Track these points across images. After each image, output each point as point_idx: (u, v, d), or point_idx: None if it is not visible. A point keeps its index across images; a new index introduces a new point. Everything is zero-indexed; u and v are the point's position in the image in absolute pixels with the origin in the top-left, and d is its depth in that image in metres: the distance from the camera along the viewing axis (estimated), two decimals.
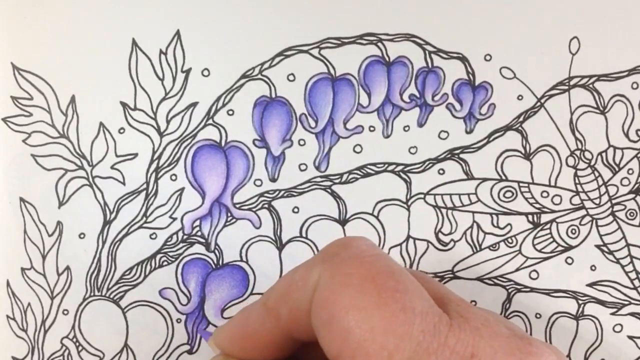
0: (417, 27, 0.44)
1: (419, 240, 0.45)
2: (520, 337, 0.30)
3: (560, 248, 0.46)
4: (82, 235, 0.44)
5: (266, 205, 0.45)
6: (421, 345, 0.27)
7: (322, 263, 0.31)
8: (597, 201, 0.46)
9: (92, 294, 0.44)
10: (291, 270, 0.33)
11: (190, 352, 0.45)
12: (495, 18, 0.44)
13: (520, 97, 0.45)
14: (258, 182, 0.45)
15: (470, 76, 0.45)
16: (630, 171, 0.46)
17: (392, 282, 0.29)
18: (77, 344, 0.45)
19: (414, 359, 0.27)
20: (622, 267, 0.46)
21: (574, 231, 0.46)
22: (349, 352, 0.28)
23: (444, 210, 0.45)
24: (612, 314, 0.46)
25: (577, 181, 0.45)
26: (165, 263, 0.45)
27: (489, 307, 0.45)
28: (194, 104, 0.44)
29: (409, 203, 0.45)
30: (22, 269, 0.44)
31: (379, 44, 0.44)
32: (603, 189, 0.46)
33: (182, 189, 0.45)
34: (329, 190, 0.45)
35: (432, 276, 0.45)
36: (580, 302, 0.46)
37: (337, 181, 0.45)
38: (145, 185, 0.44)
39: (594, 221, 0.46)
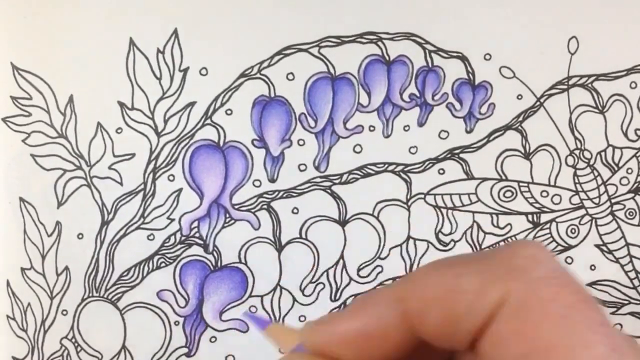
0: (417, 27, 0.44)
1: (419, 241, 0.45)
2: None
3: (560, 247, 0.46)
4: (80, 236, 0.44)
5: (265, 206, 0.45)
6: None
7: (509, 279, 0.25)
8: (596, 200, 0.46)
9: (90, 294, 0.44)
10: (444, 267, 0.27)
11: (188, 355, 0.45)
12: (495, 18, 0.44)
13: (519, 97, 0.45)
14: (257, 183, 0.44)
15: (470, 76, 0.45)
16: (630, 170, 0.46)
17: (596, 314, 0.25)
18: (76, 344, 0.44)
19: None
20: (622, 266, 0.46)
21: (573, 231, 0.46)
22: None
23: (444, 210, 0.45)
24: (612, 313, 0.46)
25: (576, 180, 0.45)
26: (163, 264, 0.44)
27: None
28: (192, 104, 0.44)
29: (409, 203, 0.45)
30: (22, 269, 0.44)
31: (379, 43, 0.44)
32: (602, 189, 0.46)
33: (180, 190, 0.44)
34: (328, 191, 0.45)
35: None
36: None
37: (337, 181, 0.45)
38: (142, 186, 0.44)
39: (594, 220, 0.46)
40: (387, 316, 0.26)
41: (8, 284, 0.44)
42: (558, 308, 0.24)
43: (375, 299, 0.27)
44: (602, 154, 0.46)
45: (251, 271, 0.45)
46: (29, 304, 0.44)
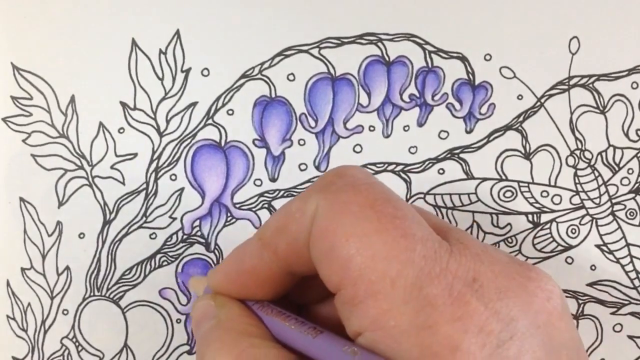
0: (417, 27, 0.44)
1: None
2: (519, 263, 0.30)
3: (560, 248, 0.46)
4: (81, 235, 0.44)
5: (266, 205, 0.45)
6: (423, 270, 0.27)
7: (319, 192, 0.30)
8: (597, 201, 0.46)
9: (91, 294, 0.44)
10: (286, 203, 0.32)
11: (190, 352, 0.45)
12: (495, 18, 0.44)
13: (520, 97, 0.45)
14: (258, 182, 0.45)
15: (470, 76, 0.45)
16: (630, 171, 0.46)
17: (391, 209, 0.29)
18: (77, 344, 0.45)
19: (417, 284, 0.27)
20: (622, 266, 0.46)
21: (573, 231, 0.46)
22: (350, 280, 0.28)
23: (444, 210, 0.45)
24: (612, 313, 0.46)
25: (577, 181, 0.45)
26: (165, 263, 0.45)
27: None
28: (194, 104, 0.44)
29: (409, 203, 0.45)
30: (22, 269, 0.44)
31: (379, 43, 0.44)
32: (603, 189, 0.46)
33: (182, 189, 0.44)
34: None
35: None
36: (580, 301, 0.46)
37: None
38: (145, 185, 0.44)
39: (594, 221, 0.46)
40: (252, 254, 0.32)
41: (8, 284, 0.44)
42: (355, 207, 0.28)
43: (245, 243, 0.33)
44: (603, 154, 0.46)
45: None
46: (29, 304, 0.44)
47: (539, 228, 0.46)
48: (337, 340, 0.30)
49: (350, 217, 0.28)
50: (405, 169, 0.45)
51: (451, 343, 0.26)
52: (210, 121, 0.44)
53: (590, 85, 0.45)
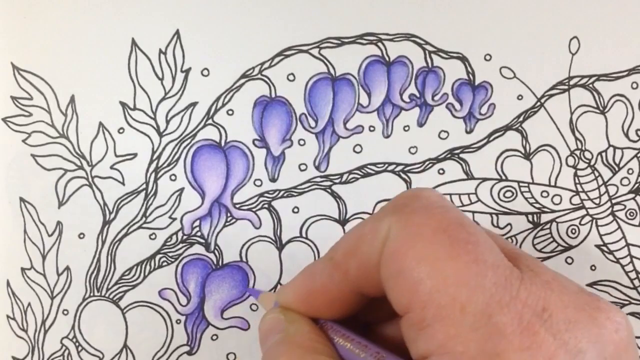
0: (417, 27, 0.44)
1: None
2: (588, 293, 0.30)
3: (560, 248, 0.46)
4: (81, 235, 0.44)
5: (266, 206, 0.45)
6: (494, 297, 0.27)
7: (392, 215, 0.30)
8: (597, 201, 0.46)
9: (91, 294, 0.44)
10: (358, 224, 0.32)
11: (190, 353, 0.45)
12: (495, 18, 0.44)
13: (520, 97, 0.45)
14: (258, 182, 0.45)
15: (470, 76, 0.45)
16: (630, 171, 0.46)
17: (464, 234, 0.28)
18: (77, 344, 0.44)
19: (486, 312, 0.27)
20: (622, 267, 0.46)
21: (574, 231, 0.46)
22: (419, 303, 0.28)
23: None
24: None
25: (577, 181, 0.45)
26: (164, 263, 0.45)
27: None
28: (194, 104, 0.44)
29: None
30: (22, 269, 0.44)
31: (379, 43, 0.44)
32: (603, 189, 0.46)
33: (182, 189, 0.44)
34: (329, 190, 0.45)
35: None
36: None
37: (337, 181, 0.45)
38: (144, 186, 0.44)
39: (594, 221, 0.46)
40: (322, 274, 0.32)
41: (8, 284, 0.44)
42: (427, 230, 0.28)
43: (316, 262, 0.33)
44: (603, 154, 0.46)
45: (252, 269, 0.45)
46: (29, 304, 0.44)
47: (539, 228, 0.46)
48: None
49: (422, 241, 0.28)
50: (406, 169, 0.45)
51: None
52: (210, 121, 0.44)
53: (590, 86, 0.45)
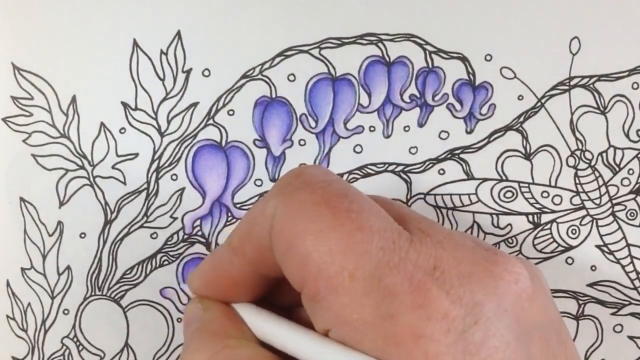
0: (417, 27, 0.44)
1: None
2: (485, 248, 0.30)
3: (560, 248, 0.46)
4: (82, 235, 0.44)
5: None
6: (382, 261, 0.27)
7: (277, 195, 0.30)
8: (597, 201, 0.46)
9: (92, 293, 0.45)
10: (251, 206, 0.33)
11: None
12: (495, 18, 0.44)
13: (520, 97, 0.45)
14: (258, 182, 0.45)
15: (471, 76, 0.45)
16: (631, 171, 0.46)
17: (346, 204, 0.29)
18: (78, 343, 0.45)
19: (375, 275, 0.27)
20: (623, 267, 0.46)
21: (574, 231, 0.46)
22: (311, 276, 0.28)
23: (444, 211, 0.45)
24: (613, 314, 0.46)
25: (577, 181, 0.45)
26: (166, 262, 0.45)
27: None
28: (195, 104, 0.44)
29: (409, 203, 0.45)
30: (22, 269, 0.44)
31: (379, 44, 0.44)
32: (603, 189, 0.46)
33: (183, 189, 0.45)
34: None
35: None
36: (580, 302, 0.46)
37: None
38: (146, 185, 0.44)
39: (595, 221, 0.46)
40: (223, 259, 0.33)
41: (8, 284, 0.44)
42: (309, 205, 0.28)
43: (217, 248, 0.34)
44: (604, 154, 0.45)
45: None
46: (29, 304, 0.44)
47: (539, 228, 0.46)
48: (314, 335, 0.30)
49: (305, 216, 0.29)
50: (406, 169, 0.45)
51: (414, 331, 0.26)
52: (211, 121, 0.44)
53: (591, 86, 0.45)
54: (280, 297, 0.35)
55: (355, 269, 0.27)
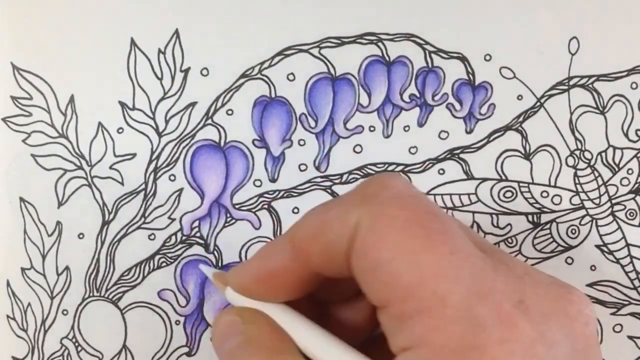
0: (417, 27, 0.44)
1: None
2: (561, 285, 0.30)
3: (560, 248, 0.46)
4: (81, 236, 0.44)
5: (266, 206, 0.45)
6: (472, 289, 0.27)
7: (362, 204, 0.29)
8: (597, 201, 0.46)
9: (91, 294, 0.44)
10: (320, 207, 0.32)
11: (189, 354, 0.45)
12: (495, 18, 0.44)
13: (520, 97, 0.45)
14: (258, 183, 0.45)
15: (470, 76, 0.45)
16: (630, 171, 0.46)
17: (438, 224, 0.28)
18: (77, 344, 0.44)
19: (466, 303, 0.27)
20: (622, 267, 0.46)
21: (573, 231, 0.46)
22: (399, 298, 0.28)
23: (444, 210, 0.45)
24: (612, 314, 0.46)
25: (577, 181, 0.46)
26: (164, 264, 0.45)
27: None
28: (193, 104, 0.44)
29: None
30: (22, 269, 0.44)
31: (379, 43, 0.44)
32: (603, 189, 0.46)
33: (181, 190, 0.44)
34: (329, 191, 0.45)
35: None
36: None
37: (337, 181, 0.45)
38: (143, 186, 0.44)
39: (594, 221, 0.46)
40: (282, 256, 0.32)
41: (8, 284, 0.44)
42: (401, 222, 0.28)
43: (273, 243, 0.33)
44: (603, 154, 0.46)
45: None
46: (29, 304, 0.44)
47: (539, 228, 0.46)
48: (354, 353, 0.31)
49: (396, 233, 0.28)
50: (406, 169, 0.45)
51: None
52: (209, 121, 0.44)
53: (590, 86, 0.45)
54: (321, 293, 0.35)
55: (448, 294, 0.27)
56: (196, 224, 0.45)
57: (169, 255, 0.45)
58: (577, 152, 0.45)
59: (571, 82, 0.45)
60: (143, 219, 0.44)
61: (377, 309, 0.29)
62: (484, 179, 0.45)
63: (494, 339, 0.26)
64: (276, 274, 0.33)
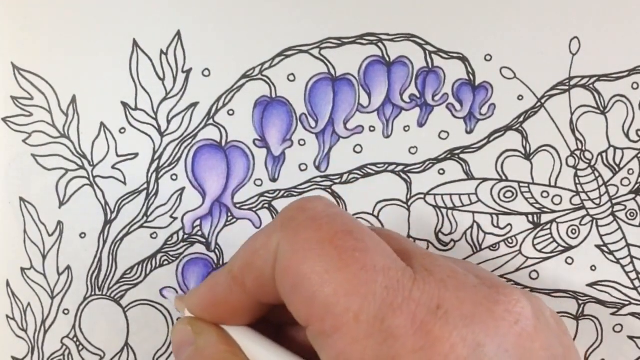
0: (417, 27, 0.44)
1: (419, 240, 0.45)
2: (489, 285, 0.30)
3: (560, 248, 0.46)
4: (83, 235, 0.44)
5: (266, 205, 0.45)
6: (385, 301, 0.27)
7: (280, 230, 0.30)
8: (597, 201, 0.46)
9: (92, 293, 0.45)
10: (253, 236, 0.33)
11: None
12: (495, 18, 0.44)
13: (520, 97, 0.45)
14: (258, 182, 0.45)
15: (471, 76, 0.45)
16: (631, 171, 0.46)
17: (352, 242, 0.29)
18: (78, 343, 0.45)
19: (379, 316, 0.27)
20: (623, 267, 0.46)
21: (574, 231, 0.46)
22: (317, 315, 0.28)
23: (444, 211, 0.45)
24: (612, 314, 0.46)
25: (577, 181, 0.45)
26: (165, 262, 0.45)
27: None
28: (195, 104, 0.44)
29: (409, 203, 0.45)
30: (22, 269, 0.44)
31: (379, 44, 0.44)
32: (603, 189, 0.46)
33: (183, 189, 0.45)
34: (329, 190, 0.45)
35: None
36: (580, 302, 0.46)
37: (337, 181, 0.45)
38: (146, 185, 0.44)
39: (594, 221, 0.46)
40: (223, 286, 0.33)
41: (8, 284, 0.44)
42: (314, 244, 0.29)
43: (217, 274, 0.34)
44: (603, 154, 0.45)
45: None
46: (29, 304, 0.44)
47: (539, 228, 0.46)
48: None
49: (310, 255, 0.29)
50: (406, 169, 0.45)
51: None
52: (211, 121, 0.44)
53: (591, 86, 0.45)
54: (273, 317, 0.36)
55: (360, 310, 0.27)
56: (198, 222, 0.45)
57: (171, 253, 0.45)
58: (578, 153, 0.45)
59: (572, 82, 0.45)
60: (145, 218, 0.45)
61: (305, 328, 0.30)
62: (484, 179, 0.45)
63: (407, 348, 0.27)
64: (220, 302, 0.34)
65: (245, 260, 0.33)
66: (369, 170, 0.45)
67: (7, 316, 0.44)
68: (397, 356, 0.27)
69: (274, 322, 0.36)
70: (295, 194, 0.45)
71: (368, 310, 0.27)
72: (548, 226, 0.46)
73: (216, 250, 0.45)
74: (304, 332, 0.35)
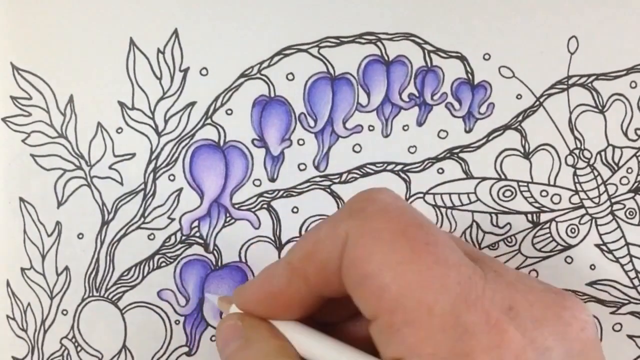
0: (416, 27, 0.44)
1: None
2: (554, 291, 0.30)
3: (559, 247, 0.46)
4: (80, 236, 0.44)
5: (265, 206, 0.45)
6: (459, 297, 0.27)
7: (349, 219, 0.30)
8: (596, 200, 0.46)
9: (90, 294, 0.44)
10: (314, 227, 0.32)
11: (189, 354, 0.45)
12: (494, 18, 0.44)
13: (519, 96, 0.45)
14: (257, 182, 0.45)
15: (470, 75, 0.45)
16: (629, 170, 0.46)
17: (423, 235, 0.29)
18: (76, 344, 0.44)
19: (453, 312, 0.27)
20: (622, 266, 0.46)
21: (573, 230, 0.46)
22: (387, 309, 0.28)
23: (443, 210, 0.45)
24: (612, 313, 0.46)
25: (576, 180, 0.45)
26: (163, 264, 0.45)
27: None
28: (192, 104, 0.44)
29: (409, 202, 0.45)
30: (22, 269, 0.44)
31: (378, 43, 0.44)
32: (602, 188, 0.46)
33: (181, 189, 0.44)
34: (328, 190, 0.45)
35: None
36: None
37: (336, 181, 0.45)
38: (143, 186, 0.44)
39: (594, 220, 0.46)
40: (281, 278, 0.32)
41: (8, 284, 0.44)
42: (387, 234, 0.28)
43: (273, 266, 0.33)
44: (602, 153, 0.46)
45: (251, 270, 0.45)
46: (28, 304, 0.44)
47: (538, 227, 0.46)
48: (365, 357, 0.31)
49: (382, 246, 0.28)
50: (405, 168, 0.45)
51: None
52: (208, 121, 0.44)
53: (589, 85, 0.45)
54: (324, 314, 0.35)
55: (434, 304, 0.27)
56: (196, 223, 0.45)
57: (169, 255, 0.45)
58: (577, 151, 0.45)
59: (570, 81, 0.45)
60: (142, 218, 0.44)
61: (369, 322, 0.30)
62: (484, 178, 0.45)
63: (482, 345, 0.27)
64: (276, 296, 0.34)
65: (306, 250, 0.32)
66: (368, 170, 0.45)
67: (8, 316, 0.44)
68: (472, 352, 0.27)
69: (320, 321, 0.36)
70: (294, 193, 0.45)
71: (443, 305, 0.27)
72: (547, 225, 0.46)
73: (214, 252, 0.45)
74: (351, 328, 0.35)
